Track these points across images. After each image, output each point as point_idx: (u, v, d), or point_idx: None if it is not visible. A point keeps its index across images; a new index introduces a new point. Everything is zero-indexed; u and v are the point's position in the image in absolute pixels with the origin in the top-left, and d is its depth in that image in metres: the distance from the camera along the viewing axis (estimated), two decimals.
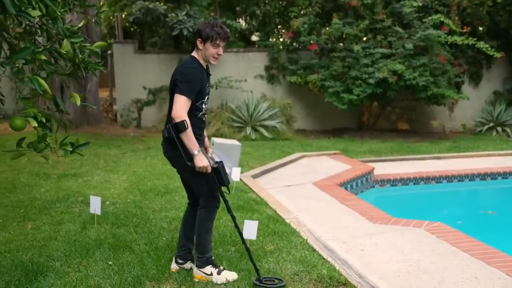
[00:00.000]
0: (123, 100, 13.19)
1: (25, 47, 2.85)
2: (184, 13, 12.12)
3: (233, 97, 12.82)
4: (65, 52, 3.10)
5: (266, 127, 11.90)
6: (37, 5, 2.83)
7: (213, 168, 3.85)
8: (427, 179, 8.36)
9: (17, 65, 2.81)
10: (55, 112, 3.32)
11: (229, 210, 4.06)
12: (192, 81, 3.82)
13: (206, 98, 4.02)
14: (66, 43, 3.09)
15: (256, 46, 13.93)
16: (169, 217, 5.56)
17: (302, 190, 6.99)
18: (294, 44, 13.26)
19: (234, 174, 6.31)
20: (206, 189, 3.98)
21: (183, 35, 12.09)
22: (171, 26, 12.20)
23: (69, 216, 5.63)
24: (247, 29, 14.65)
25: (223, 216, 5.43)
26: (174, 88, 3.83)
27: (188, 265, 4.24)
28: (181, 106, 3.75)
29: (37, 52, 2.92)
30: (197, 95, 3.88)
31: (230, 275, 4.05)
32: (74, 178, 7.45)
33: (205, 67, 3.99)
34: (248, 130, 11.67)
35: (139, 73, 13.05)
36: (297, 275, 4.12)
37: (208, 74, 4.04)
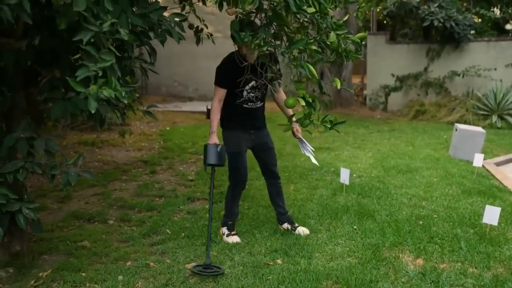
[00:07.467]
0: (372, 85, 13.45)
1: (301, 39, 3.14)
2: (436, 5, 11.87)
3: (480, 86, 11.92)
4: (330, 43, 3.29)
5: None
6: (312, 3, 3.11)
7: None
8: None
9: (293, 54, 3.10)
10: (318, 94, 3.56)
11: (210, 193, 3.96)
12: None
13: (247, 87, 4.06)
14: (332, 35, 3.27)
15: (511, 34, 12.94)
16: (409, 194, 5.54)
17: None
18: None
19: (477, 160, 6.20)
20: (228, 166, 4.18)
21: (434, 25, 11.89)
22: (422, 18, 12.06)
23: (322, 183, 5.98)
24: (502, 17, 13.65)
25: (462, 199, 5.30)
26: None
27: (285, 225, 4.43)
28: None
29: (310, 43, 3.14)
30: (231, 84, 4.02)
31: (234, 239, 4.25)
32: (327, 151, 7.86)
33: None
34: (494, 118, 10.88)
35: (389, 62, 13.15)
36: None
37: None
